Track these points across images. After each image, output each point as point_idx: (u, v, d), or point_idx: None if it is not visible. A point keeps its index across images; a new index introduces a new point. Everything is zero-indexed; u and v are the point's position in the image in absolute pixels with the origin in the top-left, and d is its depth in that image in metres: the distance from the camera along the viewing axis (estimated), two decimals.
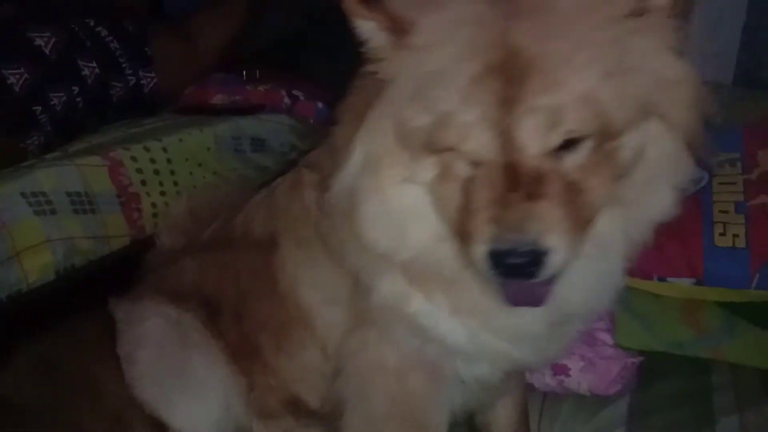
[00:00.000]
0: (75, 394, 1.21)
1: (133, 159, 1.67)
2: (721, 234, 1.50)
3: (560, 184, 0.75)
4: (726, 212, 1.53)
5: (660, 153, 0.83)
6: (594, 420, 1.41)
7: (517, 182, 0.74)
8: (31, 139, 1.81)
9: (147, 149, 1.71)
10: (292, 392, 1.29)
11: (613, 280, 0.96)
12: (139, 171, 1.67)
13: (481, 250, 0.76)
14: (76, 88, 1.91)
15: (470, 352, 1.00)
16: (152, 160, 1.70)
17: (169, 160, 1.74)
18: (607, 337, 1.52)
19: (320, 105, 2.24)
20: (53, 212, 1.45)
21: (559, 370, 1.47)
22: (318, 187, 1.11)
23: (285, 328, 1.24)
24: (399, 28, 0.80)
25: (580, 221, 0.78)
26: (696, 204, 1.57)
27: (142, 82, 2.10)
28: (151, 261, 1.62)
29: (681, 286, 1.53)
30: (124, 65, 2.06)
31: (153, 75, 2.11)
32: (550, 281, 0.79)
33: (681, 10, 0.80)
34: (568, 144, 0.76)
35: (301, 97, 2.24)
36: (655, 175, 0.85)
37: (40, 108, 1.82)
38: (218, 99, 2.28)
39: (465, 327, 0.96)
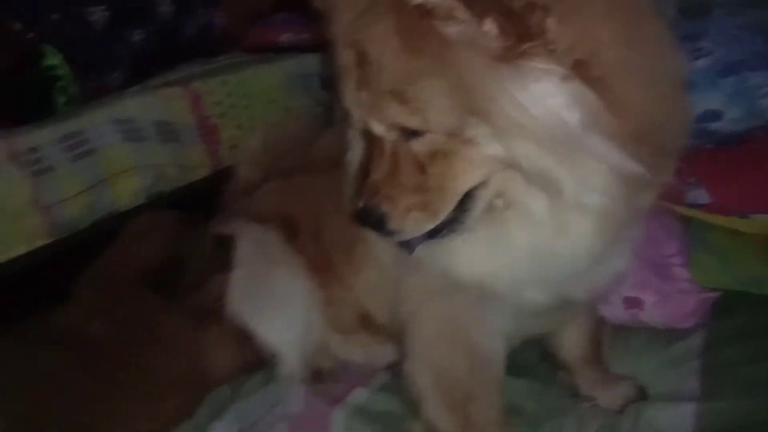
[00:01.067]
0: (140, 331, 1.28)
1: (211, 92, 1.72)
2: None
3: (408, 165, 0.85)
4: None
5: (524, 158, 0.80)
6: (667, 352, 1.40)
7: (375, 157, 0.88)
8: (112, 76, 1.88)
9: (224, 83, 1.75)
10: (363, 308, 1.35)
11: (587, 248, 0.93)
12: (217, 104, 1.73)
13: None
14: (152, 27, 1.96)
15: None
16: (229, 94, 1.75)
17: (244, 95, 1.79)
18: (683, 272, 1.49)
19: None
20: (141, 139, 1.52)
21: (633, 303, 1.47)
22: None
23: (352, 244, 1.28)
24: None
25: (429, 199, 0.86)
26: None
27: (213, 21, 2.13)
28: (231, 191, 1.69)
29: (763, 221, 1.49)
30: (196, 4, 2.09)
31: (223, 14, 2.15)
32: (418, 238, 0.91)
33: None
34: (416, 133, 0.83)
35: None
36: (543, 168, 0.81)
37: (120, 45, 1.88)
38: (285, 38, 2.30)
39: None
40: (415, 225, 0.88)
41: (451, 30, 0.77)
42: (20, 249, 1.30)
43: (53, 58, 1.66)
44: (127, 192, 1.50)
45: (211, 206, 1.60)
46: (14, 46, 1.59)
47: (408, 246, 0.94)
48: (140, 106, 1.56)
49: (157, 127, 1.57)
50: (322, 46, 2.35)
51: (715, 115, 1.53)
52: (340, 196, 1.26)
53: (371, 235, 1.18)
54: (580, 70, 0.76)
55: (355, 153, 1.05)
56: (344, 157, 1.13)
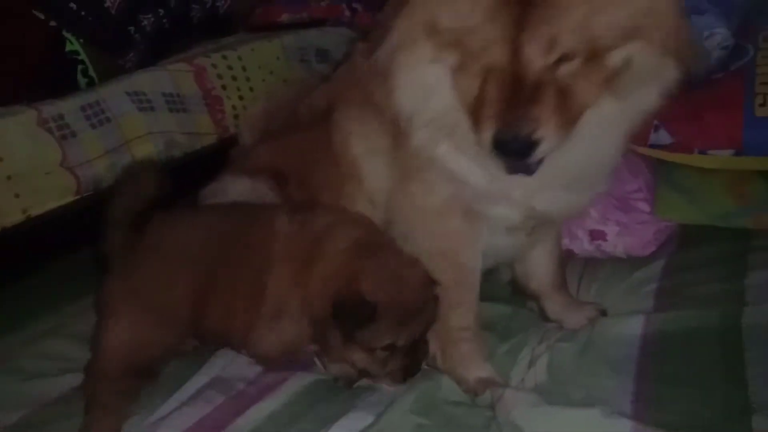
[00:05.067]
0: None
1: (214, 66, 1.90)
2: (761, 105, 1.54)
3: (554, 90, 0.95)
4: None
5: (644, 64, 0.99)
6: (630, 278, 1.53)
7: (521, 87, 0.95)
8: (127, 57, 2.08)
9: (224, 57, 1.93)
10: None
11: (611, 152, 1.17)
12: (219, 77, 1.91)
13: (487, 135, 0.99)
14: (162, 11, 2.15)
15: (491, 194, 1.17)
16: (230, 67, 1.93)
17: (244, 68, 1.97)
18: (644, 206, 1.62)
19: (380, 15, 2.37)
20: (152, 109, 1.72)
21: (597, 235, 1.61)
22: (366, 53, 1.30)
23: (340, 184, 1.42)
24: None
25: (569, 117, 0.98)
26: (739, 78, 1.61)
27: (217, 3, 2.31)
28: (235, 156, 1.87)
29: (721, 157, 1.60)
30: None
31: None
32: (541, 159, 1.02)
33: None
34: (563, 58, 0.94)
35: (360, 9, 2.38)
36: (641, 80, 1.02)
37: (133, 28, 2.07)
38: (285, 18, 2.48)
39: (483, 170, 1.13)
40: (561, 141, 0.98)
41: None
42: (52, 204, 1.50)
43: (74, 45, 1.87)
44: (142, 155, 1.70)
45: (218, 171, 1.77)
46: (41, 33, 1.79)
47: (528, 167, 1.03)
48: (150, 79, 1.75)
49: (166, 99, 1.76)
50: (319, 22, 2.53)
51: None
52: (327, 138, 1.41)
53: (365, 161, 1.35)
54: None
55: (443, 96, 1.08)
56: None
